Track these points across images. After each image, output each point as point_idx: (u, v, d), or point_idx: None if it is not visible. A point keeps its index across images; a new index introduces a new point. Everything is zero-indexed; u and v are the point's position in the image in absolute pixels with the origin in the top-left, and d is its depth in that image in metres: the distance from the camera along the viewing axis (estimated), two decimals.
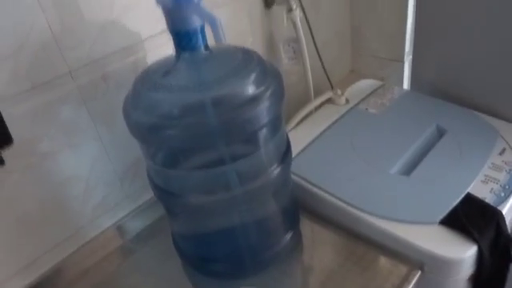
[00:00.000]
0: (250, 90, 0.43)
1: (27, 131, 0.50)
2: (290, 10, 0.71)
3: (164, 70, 0.45)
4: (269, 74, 0.47)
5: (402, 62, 0.93)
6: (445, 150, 0.64)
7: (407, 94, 0.81)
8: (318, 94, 0.84)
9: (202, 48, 0.44)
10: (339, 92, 0.78)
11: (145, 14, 0.57)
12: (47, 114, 0.51)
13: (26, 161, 0.51)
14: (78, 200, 0.59)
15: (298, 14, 0.71)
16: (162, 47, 0.59)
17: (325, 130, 0.72)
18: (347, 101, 0.79)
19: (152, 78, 0.45)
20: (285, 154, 0.52)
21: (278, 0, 0.71)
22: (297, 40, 0.74)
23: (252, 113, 0.43)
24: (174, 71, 0.44)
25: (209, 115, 0.40)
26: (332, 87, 0.82)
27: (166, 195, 0.49)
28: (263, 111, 0.43)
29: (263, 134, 0.46)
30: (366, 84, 0.85)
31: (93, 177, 0.59)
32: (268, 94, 0.44)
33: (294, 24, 0.72)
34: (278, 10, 0.75)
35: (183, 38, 0.42)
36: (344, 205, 0.59)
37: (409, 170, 0.62)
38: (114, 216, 0.64)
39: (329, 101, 0.79)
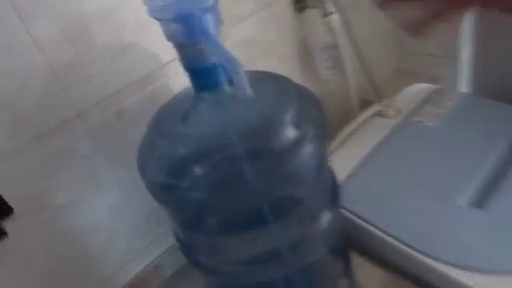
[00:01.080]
0: (290, 133, 0.34)
1: (35, 186, 0.44)
2: (325, 14, 0.61)
3: (181, 112, 0.38)
4: (308, 105, 0.38)
5: (459, 58, 0.81)
6: None
7: (469, 100, 0.69)
8: (360, 102, 0.74)
9: (225, 85, 0.36)
10: (388, 102, 0.68)
11: (162, 36, 0.49)
12: (56, 163, 0.45)
13: (37, 218, 0.45)
14: (101, 250, 0.53)
15: (335, 17, 0.61)
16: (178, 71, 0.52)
17: (374, 150, 0.62)
18: (398, 111, 0.69)
19: (168, 124, 0.38)
20: (333, 195, 0.44)
21: (311, 3, 0.62)
22: (335, 47, 0.64)
23: (296, 161, 0.34)
24: (194, 115, 0.36)
25: (242, 171, 0.32)
26: (378, 97, 0.72)
27: (195, 257, 0.42)
28: (308, 156, 0.35)
29: (308, 180, 0.38)
30: (417, 89, 0.74)
31: (115, 223, 0.53)
32: (311, 133, 0.36)
33: (332, 29, 0.63)
34: (312, 13, 0.65)
35: (200, 76, 0.35)
36: (404, 247, 0.49)
37: (482, 200, 0.51)
38: (143, 261, 0.58)
39: (376, 112, 0.69)
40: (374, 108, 0.67)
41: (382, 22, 0.84)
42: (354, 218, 0.54)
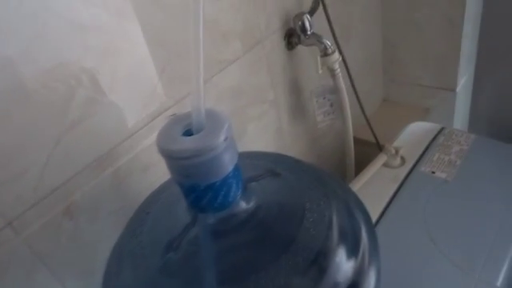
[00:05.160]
0: (347, 271, 0.23)
1: None
2: (326, 53, 0.51)
3: (168, 233, 0.25)
4: (352, 209, 0.28)
5: (454, 91, 0.74)
6: None
7: (481, 143, 0.61)
8: (358, 146, 0.65)
9: (238, 200, 0.24)
10: (393, 150, 0.59)
11: (124, 100, 0.36)
12: None
13: None
14: None
15: (337, 57, 0.51)
16: (147, 142, 0.39)
17: (384, 213, 0.53)
18: (403, 160, 0.60)
19: (147, 251, 0.25)
20: None
21: (305, 40, 0.51)
22: (335, 90, 0.54)
23: None
24: (187, 247, 0.24)
25: None
26: (379, 146, 0.62)
27: None
28: None
29: None
30: (417, 129, 0.66)
31: None
32: (368, 257, 0.25)
33: (332, 71, 0.52)
34: (304, 51, 0.55)
35: (203, 196, 0.22)
36: None
37: None
38: None
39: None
40: (381, 159, 0.57)
41: (370, 49, 0.75)
42: None
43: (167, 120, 0.23)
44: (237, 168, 0.23)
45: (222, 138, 0.21)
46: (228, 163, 0.21)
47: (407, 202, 0.54)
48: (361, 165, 0.68)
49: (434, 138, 0.63)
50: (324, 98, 0.55)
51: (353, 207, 0.29)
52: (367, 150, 0.72)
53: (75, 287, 0.37)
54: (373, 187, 0.57)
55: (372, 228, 0.29)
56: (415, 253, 0.48)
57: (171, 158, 0.21)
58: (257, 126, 0.53)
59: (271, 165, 0.30)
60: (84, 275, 0.37)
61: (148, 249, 0.25)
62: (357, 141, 0.69)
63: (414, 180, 0.57)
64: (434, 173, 0.57)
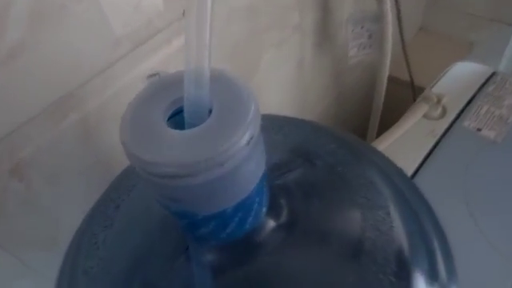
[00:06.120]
0: None
1: None
2: None
3: (143, 256, 0.16)
4: (424, 221, 0.19)
5: (510, 25, 0.61)
6: None
7: None
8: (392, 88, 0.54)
9: (263, 219, 0.14)
10: (435, 99, 0.48)
11: (94, 14, 0.25)
12: None
13: None
14: None
15: None
16: (128, 78, 0.29)
17: (416, 175, 0.44)
18: (444, 111, 0.50)
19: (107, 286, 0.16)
20: None
21: None
22: (379, 18, 0.42)
23: None
24: (174, 284, 0.15)
25: None
26: (413, 87, 0.52)
27: None
28: None
29: None
30: (462, 72, 0.55)
31: None
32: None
33: None
34: None
35: (201, 225, 0.13)
36: None
37: None
38: None
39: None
40: (421, 109, 0.47)
41: None
42: None
43: (144, 85, 0.12)
44: (263, 178, 0.13)
45: (244, 138, 0.11)
46: (249, 180, 0.12)
47: (445, 165, 0.45)
48: (387, 105, 0.58)
49: (483, 86, 0.52)
50: (362, 28, 0.43)
51: (419, 212, 0.20)
52: (396, 89, 0.62)
53: (35, 259, 0.29)
54: (405, 141, 0.47)
55: (444, 237, 0.21)
56: (449, 227, 0.40)
57: (147, 172, 0.11)
58: (274, 55, 0.42)
59: (300, 142, 0.20)
60: (44, 245, 0.29)
61: (110, 276, 0.16)
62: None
63: (455, 137, 0.47)
64: (479, 130, 0.48)
